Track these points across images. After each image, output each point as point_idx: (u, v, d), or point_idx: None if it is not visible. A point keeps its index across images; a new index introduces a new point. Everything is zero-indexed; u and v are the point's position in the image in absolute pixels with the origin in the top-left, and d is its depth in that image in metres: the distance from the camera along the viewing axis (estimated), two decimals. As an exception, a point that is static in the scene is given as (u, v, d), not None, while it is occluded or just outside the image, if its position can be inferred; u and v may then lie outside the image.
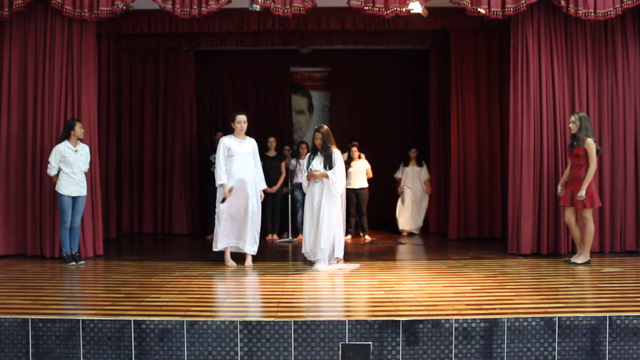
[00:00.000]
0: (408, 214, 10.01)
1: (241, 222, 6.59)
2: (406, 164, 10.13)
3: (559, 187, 6.98)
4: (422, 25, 8.39)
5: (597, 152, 6.66)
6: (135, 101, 10.27)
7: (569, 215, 6.75)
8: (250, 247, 6.63)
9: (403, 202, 10.04)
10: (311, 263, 6.63)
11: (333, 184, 6.55)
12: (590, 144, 6.56)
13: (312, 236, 6.64)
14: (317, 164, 6.65)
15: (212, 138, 9.80)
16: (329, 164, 6.58)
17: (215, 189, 6.70)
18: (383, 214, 11.30)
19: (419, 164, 10.09)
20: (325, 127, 6.82)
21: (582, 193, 6.52)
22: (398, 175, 10.22)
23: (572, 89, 7.48)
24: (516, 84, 7.45)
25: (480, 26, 8.55)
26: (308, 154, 6.93)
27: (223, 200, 6.56)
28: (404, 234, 9.88)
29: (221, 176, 6.55)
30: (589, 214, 6.63)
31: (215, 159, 6.78)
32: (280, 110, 11.65)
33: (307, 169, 6.74)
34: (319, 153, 6.70)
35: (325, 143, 6.65)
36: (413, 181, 10.06)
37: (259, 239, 6.74)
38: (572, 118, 6.76)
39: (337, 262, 6.61)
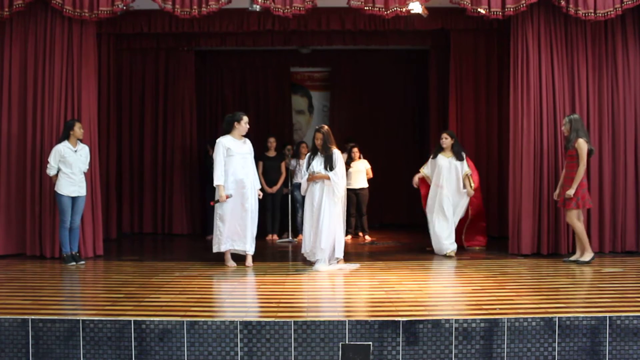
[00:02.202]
0: (450, 228, 7.47)
1: (242, 222, 6.58)
2: (435, 156, 7.67)
3: (557, 191, 6.98)
4: (422, 25, 8.38)
5: (591, 152, 6.72)
6: (135, 101, 10.27)
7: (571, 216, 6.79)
8: (250, 247, 6.64)
9: (441, 211, 7.47)
10: (311, 263, 6.62)
11: (335, 185, 6.54)
12: (581, 144, 6.61)
13: (311, 236, 6.63)
14: (317, 164, 6.64)
15: (207, 147, 9.74)
16: (329, 164, 6.57)
17: (213, 189, 6.69)
18: (383, 215, 11.32)
19: (459, 157, 7.55)
20: (326, 127, 6.81)
21: (571, 192, 6.57)
22: (426, 171, 7.77)
23: (572, 89, 7.48)
24: (516, 84, 7.45)
25: (480, 26, 8.54)
26: (308, 154, 6.91)
27: (216, 202, 6.56)
28: (449, 253, 7.35)
29: (219, 177, 6.53)
30: (573, 214, 6.70)
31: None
32: (280, 110, 11.65)
33: (306, 169, 6.73)
34: (318, 153, 6.69)
35: (325, 143, 6.64)
36: (449, 180, 7.50)
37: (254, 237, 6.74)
38: (563, 121, 6.86)
39: (337, 262, 6.61)
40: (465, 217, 7.73)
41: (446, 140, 7.63)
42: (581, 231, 6.73)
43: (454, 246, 7.44)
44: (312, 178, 6.64)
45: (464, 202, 7.60)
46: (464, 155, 7.63)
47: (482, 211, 7.96)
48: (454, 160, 7.54)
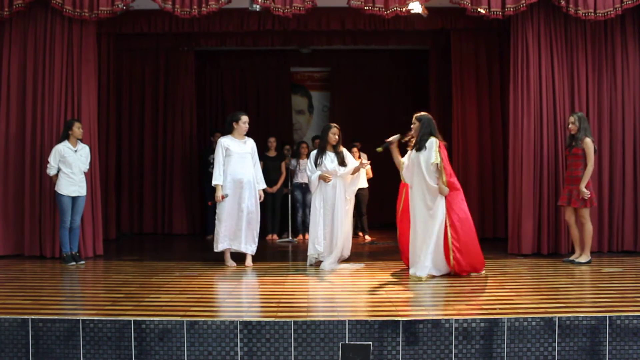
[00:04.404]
0: (413, 243, 6.02)
1: (238, 222, 6.57)
2: (413, 147, 6.12)
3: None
4: (422, 25, 8.39)
5: (595, 151, 6.71)
6: (135, 101, 10.27)
7: (569, 215, 6.78)
8: (249, 247, 6.63)
9: (412, 218, 6.05)
10: (311, 264, 6.63)
11: (360, 177, 6.67)
12: (589, 143, 6.61)
13: (326, 236, 6.50)
14: (329, 161, 6.57)
15: (210, 139, 9.83)
16: (342, 162, 6.58)
17: (213, 189, 6.69)
18: (383, 215, 11.31)
19: (419, 146, 5.92)
20: None
21: (586, 192, 6.55)
22: (403, 174, 6.26)
23: (572, 89, 7.48)
24: (516, 84, 7.45)
25: (480, 26, 8.54)
26: (314, 151, 6.79)
27: (211, 203, 6.57)
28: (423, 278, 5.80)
29: (217, 177, 6.53)
30: (587, 213, 6.67)
31: (213, 159, 6.78)
32: (280, 110, 11.67)
33: (314, 166, 6.58)
34: (327, 151, 6.63)
35: (339, 140, 6.66)
36: (415, 175, 5.98)
37: (257, 238, 6.72)
38: (572, 118, 6.78)
39: (340, 261, 6.62)
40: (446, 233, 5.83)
41: (413, 126, 6.05)
42: (590, 230, 6.69)
43: (424, 271, 5.79)
44: (361, 167, 6.54)
45: (437, 205, 5.80)
46: (434, 141, 5.88)
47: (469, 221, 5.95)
48: (415, 152, 5.98)
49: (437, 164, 5.77)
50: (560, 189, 7.19)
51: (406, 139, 6.15)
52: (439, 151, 5.82)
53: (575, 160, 6.71)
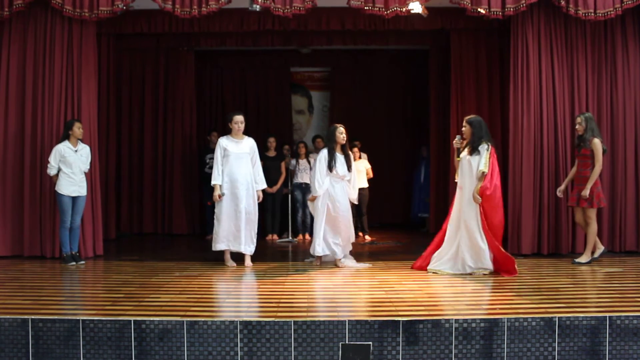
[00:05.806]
0: (455, 247, 6.12)
1: (236, 223, 6.57)
2: (461, 152, 6.25)
3: (562, 187, 6.96)
4: (422, 25, 8.38)
5: (604, 152, 6.70)
6: (135, 101, 10.27)
7: (579, 217, 6.77)
8: (247, 247, 6.62)
9: (462, 219, 6.09)
10: (310, 264, 6.63)
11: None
12: (597, 144, 6.59)
13: (346, 235, 6.67)
14: (340, 165, 6.58)
15: (207, 138, 9.83)
16: (350, 164, 6.64)
17: (210, 189, 6.68)
18: (383, 215, 11.31)
19: (472, 150, 6.06)
20: None
21: (587, 192, 6.54)
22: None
23: (572, 89, 7.48)
24: (516, 84, 7.45)
25: (480, 26, 8.53)
26: (324, 151, 6.66)
27: (210, 202, 6.59)
28: None
29: (215, 177, 6.56)
30: (592, 214, 6.66)
31: (210, 159, 6.79)
32: (280, 110, 11.67)
33: (328, 168, 6.52)
34: (337, 154, 6.59)
35: (347, 140, 6.70)
36: (470, 178, 6.06)
37: (256, 239, 6.72)
38: (579, 119, 6.78)
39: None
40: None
41: (464, 129, 6.21)
42: (594, 231, 6.67)
43: (484, 266, 5.97)
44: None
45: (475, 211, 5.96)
46: (486, 147, 6.00)
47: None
48: (468, 156, 6.10)
49: (484, 172, 5.94)
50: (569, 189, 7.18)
51: (462, 145, 6.29)
52: (489, 159, 5.97)
53: (583, 161, 6.69)
